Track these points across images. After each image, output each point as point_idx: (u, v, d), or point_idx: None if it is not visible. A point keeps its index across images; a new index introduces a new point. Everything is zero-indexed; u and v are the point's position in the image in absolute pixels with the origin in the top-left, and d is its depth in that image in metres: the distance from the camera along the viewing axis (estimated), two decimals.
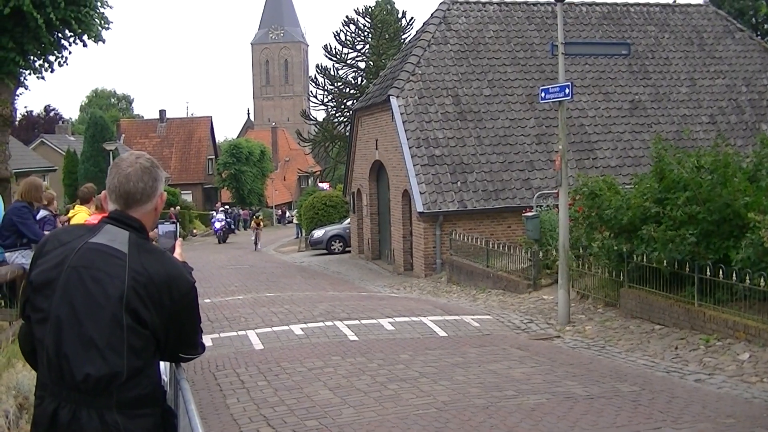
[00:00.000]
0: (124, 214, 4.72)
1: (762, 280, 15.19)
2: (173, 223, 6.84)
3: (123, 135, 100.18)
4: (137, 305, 4.50)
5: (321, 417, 11.22)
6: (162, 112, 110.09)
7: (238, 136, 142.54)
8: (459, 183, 32.43)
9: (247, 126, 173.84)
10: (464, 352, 15.53)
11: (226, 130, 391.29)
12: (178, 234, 6.49)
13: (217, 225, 68.37)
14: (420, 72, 35.06)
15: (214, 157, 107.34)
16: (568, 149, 20.50)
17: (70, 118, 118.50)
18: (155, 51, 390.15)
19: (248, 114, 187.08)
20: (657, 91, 37.06)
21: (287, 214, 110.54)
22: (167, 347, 4.78)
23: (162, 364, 6.11)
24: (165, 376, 6.03)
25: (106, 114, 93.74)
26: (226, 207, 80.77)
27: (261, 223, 62.82)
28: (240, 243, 66.75)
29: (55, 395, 4.51)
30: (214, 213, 74.98)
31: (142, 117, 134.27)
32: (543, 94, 20.01)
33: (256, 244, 59.28)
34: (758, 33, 50.62)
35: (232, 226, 75.26)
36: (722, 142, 20.15)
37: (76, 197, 16.47)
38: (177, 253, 5.60)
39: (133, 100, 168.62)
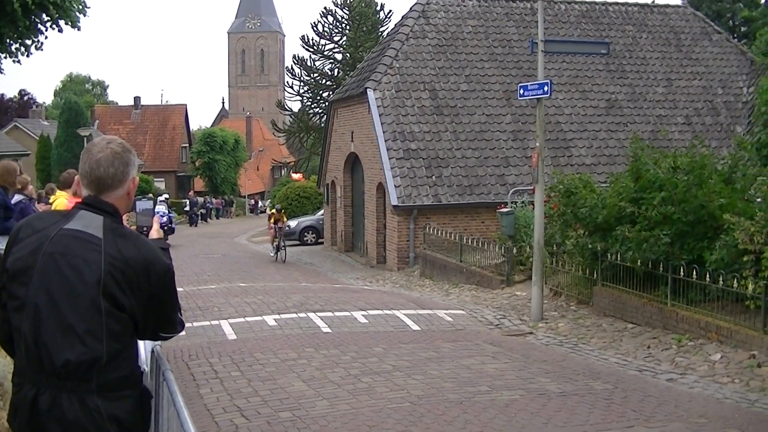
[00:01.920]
0: (98, 200, 4.72)
1: (735, 281, 15.29)
2: (150, 200, 6.81)
3: (97, 121, 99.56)
4: (114, 290, 4.51)
5: (295, 409, 11.21)
6: (137, 99, 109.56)
7: (212, 125, 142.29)
8: (434, 177, 32.43)
9: (222, 115, 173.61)
10: (438, 347, 15.55)
11: (201, 119, 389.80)
12: (155, 212, 6.48)
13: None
14: (397, 65, 35.04)
15: (188, 145, 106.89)
16: (544, 146, 20.52)
17: (44, 103, 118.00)
18: (131, 37, 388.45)
19: (223, 103, 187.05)
20: (633, 90, 37.17)
21: (260, 204, 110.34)
22: (147, 328, 4.80)
23: (142, 353, 6.11)
24: (146, 366, 6.01)
25: (80, 99, 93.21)
26: (174, 197, 69.45)
27: (283, 219, 41.40)
28: (212, 232, 66.54)
29: (35, 382, 4.51)
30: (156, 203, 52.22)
31: (117, 103, 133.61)
32: (522, 91, 20.02)
33: (277, 251, 39.92)
34: (735, 35, 50.89)
35: (173, 224, 52.51)
36: (699, 144, 20.23)
37: (50, 182, 16.38)
38: (154, 230, 5.58)
39: (108, 86, 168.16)
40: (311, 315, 18.74)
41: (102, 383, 4.50)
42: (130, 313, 4.59)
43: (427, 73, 35.19)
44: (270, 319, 18.30)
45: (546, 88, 19.05)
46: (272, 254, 40.69)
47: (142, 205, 42.85)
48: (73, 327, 4.44)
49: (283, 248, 39.75)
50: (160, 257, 4.74)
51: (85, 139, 54.13)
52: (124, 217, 5.47)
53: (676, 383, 13.29)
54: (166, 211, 47.23)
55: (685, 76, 38.36)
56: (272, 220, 40.77)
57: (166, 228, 46.16)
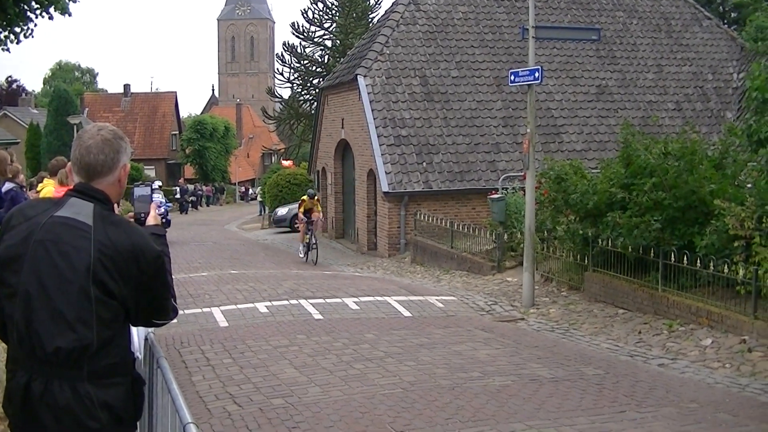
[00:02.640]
0: (88, 186, 4.72)
1: (726, 266, 15.34)
2: (148, 185, 6.82)
3: (87, 109, 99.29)
4: (104, 277, 4.52)
5: (287, 395, 11.23)
6: (126, 87, 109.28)
7: (202, 112, 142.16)
8: (425, 164, 32.40)
9: (212, 102, 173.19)
10: (429, 333, 15.58)
11: (191, 106, 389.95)
12: (152, 198, 6.48)
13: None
14: (388, 52, 34.97)
15: (178, 132, 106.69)
16: (535, 133, 20.52)
17: (33, 91, 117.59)
18: (120, 25, 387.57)
19: (213, 90, 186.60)
20: (624, 76, 37.14)
21: (250, 191, 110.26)
22: (139, 315, 4.81)
23: (135, 340, 6.11)
24: (139, 354, 6.02)
25: (70, 87, 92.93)
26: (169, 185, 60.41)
27: (317, 209, 33.41)
28: (203, 220, 66.48)
29: (27, 369, 4.51)
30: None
31: (106, 91, 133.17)
32: (512, 78, 20.02)
33: (308, 249, 32.62)
34: (725, 21, 50.86)
35: (169, 216, 45.80)
36: (689, 130, 20.29)
37: (40, 170, 16.32)
38: (151, 216, 5.58)
39: (97, 74, 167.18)
40: (303, 302, 18.76)
41: (93, 370, 4.51)
42: (121, 300, 4.59)
43: (417, 60, 35.13)
44: (262, 306, 18.31)
45: (537, 75, 19.06)
46: (301, 254, 32.92)
47: (140, 191, 42.55)
48: (64, 314, 4.45)
49: (314, 247, 31.89)
50: (151, 244, 4.74)
51: (75, 127, 53.95)
52: (153, 206, 5.48)
53: (667, 368, 13.35)
54: (163, 201, 43.65)
55: (675, 62, 38.33)
56: (302, 209, 32.58)
57: (164, 221, 39.78)
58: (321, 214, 34.56)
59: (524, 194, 20.62)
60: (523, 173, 21.46)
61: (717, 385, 12.33)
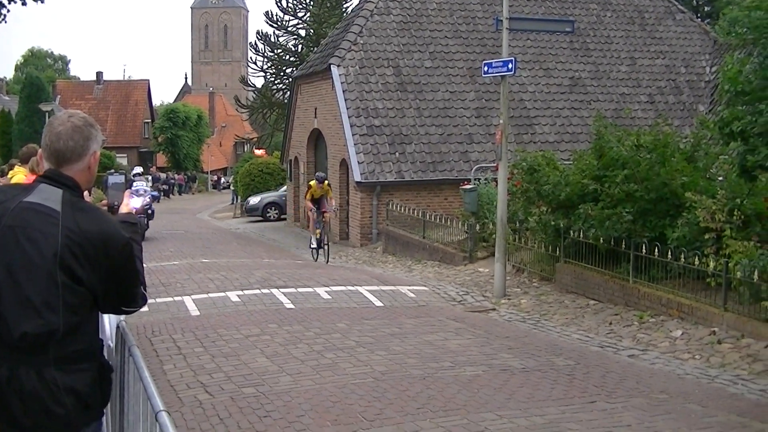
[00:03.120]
0: (58, 173, 4.71)
1: (696, 258, 15.43)
2: (122, 173, 6.80)
3: (59, 96, 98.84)
4: (72, 263, 4.51)
5: (258, 384, 11.21)
6: (99, 74, 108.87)
7: (175, 101, 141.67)
8: (397, 154, 32.43)
9: (185, 90, 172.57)
10: (401, 323, 15.58)
11: (164, 94, 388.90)
12: (135, 186, 6.49)
13: (138, 203, 33.00)
14: (362, 42, 34.94)
15: (150, 120, 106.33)
16: (508, 124, 20.55)
17: (5, 78, 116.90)
18: (93, 12, 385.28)
19: (186, 78, 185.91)
20: (597, 68, 37.24)
21: (222, 180, 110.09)
22: (107, 302, 4.80)
23: (107, 328, 6.09)
24: (111, 342, 6.00)
25: (42, 74, 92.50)
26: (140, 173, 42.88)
27: (330, 196, 28.49)
28: (175, 208, 66.31)
29: None
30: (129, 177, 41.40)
31: (79, 78, 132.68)
32: (486, 69, 20.02)
33: (319, 245, 27.80)
34: (699, 15, 51.04)
35: (152, 208, 37.76)
36: (662, 122, 20.37)
37: (11, 158, 16.25)
38: (123, 204, 5.58)
39: (69, 61, 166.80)
40: (274, 291, 18.72)
41: (59, 356, 4.51)
42: (89, 286, 4.59)
43: (391, 50, 35.12)
44: (233, 295, 18.27)
45: (510, 66, 19.07)
46: (313, 245, 27.97)
47: (113, 179, 42.15)
48: (30, 299, 4.45)
49: (325, 244, 27.45)
50: (119, 231, 4.73)
51: (47, 114, 53.59)
52: (126, 194, 5.47)
53: (638, 359, 13.40)
54: (148, 189, 38.06)
55: (648, 55, 38.46)
56: (309, 196, 27.47)
57: (150, 211, 35.95)
58: (334, 201, 29.57)
59: (496, 185, 20.65)
60: (495, 164, 21.49)
61: (687, 376, 12.40)
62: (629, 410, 10.16)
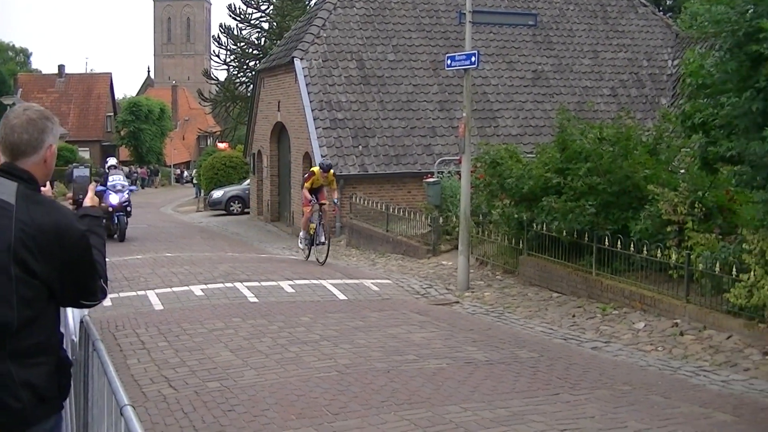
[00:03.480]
0: (12, 166, 4.69)
1: (659, 251, 15.53)
2: (87, 167, 6.75)
3: (20, 89, 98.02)
4: (26, 256, 4.50)
5: (223, 378, 11.19)
6: (61, 67, 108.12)
7: (138, 94, 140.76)
8: (361, 147, 32.43)
9: (148, 84, 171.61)
10: (365, 316, 15.59)
11: (126, 87, 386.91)
12: (111, 179, 6.44)
13: (115, 199, 31.52)
14: (325, 35, 34.90)
15: (113, 114, 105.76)
16: (471, 117, 20.59)
17: None
18: (55, 4, 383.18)
19: (149, 71, 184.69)
20: (560, 62, 37.35)
21: (185, 173, 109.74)
22: (65, 296, 4.78)
23: (71, 323, 6.05)
24: (74, 336, 5.96)
25: (3, 68, 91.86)
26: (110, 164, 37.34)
27: (333, 187, 24.87)
28: (137, 202, 65.84)
29: None
30: (102, 170, 40.77)
31: (41, 72, 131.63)
32: (449, 62, 20.04)
33: (311, 243, 24.27)
34: (661, 8, 51.19)
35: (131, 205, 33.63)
36: (624, 115, 20.46)
37: None
38: (88, 197, 5.56)
39: (31, 54, 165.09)
40: (238, 285, 18.68)
41: (15, 349, 4.49)
42: (43, 279, 4.57)
43: (354, 43, 35.10)
44: (197, 289, 18.22)
45: (473, 59, 19.09)
46: (302, 246, 24.72)
47: (78, 172, 41.70)
48: None
49: (324, 242, 23.51)
50: (74, 223, 4.72)
51: (8, 107, 53.33)
52: (91, 187, 5.43)
53: (601, 351, 13.47)
54: (126, 183, 33.29)
55: (611, 48, 38.60)
56: (309, 184, 23.81)
57: (129, 209, 32.68)
58: (338, 193, 25.73)
59: (460, 178, 20.69)
60: (458, 157, 21.53)
61: (650, 367, 12.48)
62: (593, 402, 10.21)
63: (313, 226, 23.88)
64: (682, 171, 18.18)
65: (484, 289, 19.15)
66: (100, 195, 29.53)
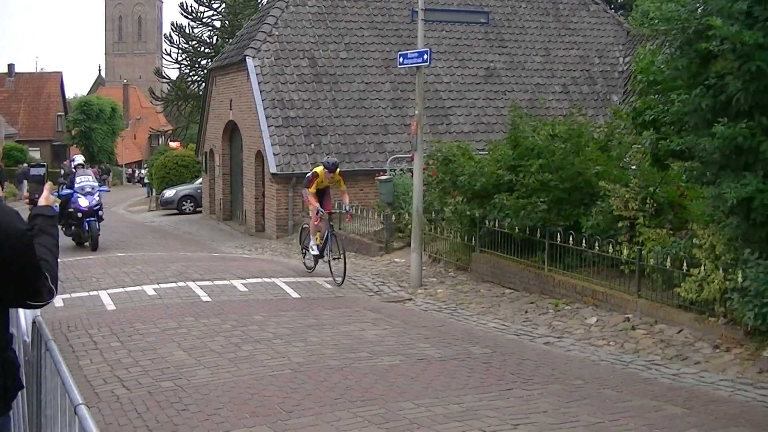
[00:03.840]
0: None
1: (610, 246, 15.62)
2: (43, 166, 6.69)
3: None
4: None
5: (176, 378, 11.15)
6: (11, 66, 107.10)
7: (89, 93, 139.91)
8: (313, 145, 32.37)
9: (99, 83, 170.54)
10: (318, 314, 15.59)
11: (77, 87, 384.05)
12: (78, 180, 6.39)
13: (84, 203, 28.17)
14: (277, 33, 34.81)
15: (64, 113, 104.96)
16: (423, 114, 20.64)
17: None
18: (4, 2, 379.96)
19: (100, 70, 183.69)
20: (512, 59, 37.45)
21: (137, 173, 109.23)
22: (7, 296, 4.74)
23: (23, 323, 6.01)
24: (27, 337, 5.93)
25: None
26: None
27: (341, 188, 21.45)
28: None
29: None
30: (68, 170, 33.91)
31: None
32: (401, 59, 20.07)
33: (320, 254, 20.48)
34: (612, 6, 51.52)
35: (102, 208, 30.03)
36: (576, 112, 20.58)
37: None
38: (43, 197, 5.51)
39: None
40: (191, 284, 18.63)
41: None
42: None
43: (306, 41, 35.03)
44: (149, 289, 18.14)
45: (425, 57, 19.13)
46: (314, 251, 20.58)
47: (34, 171, 41.29)
48: None
49: (339, 256, 19.49)
50: (14, 223, 4.67)
51: None
52: (46, 187, 5.38)
53: (553, 346, 13.55)
54: (96, 185, 29.41)
55: (563, 46, 38.76)
56: (313, 188, 20.41)
57: (101, 213, 29.31)
58: (347, 196, 21.40)
59: (412, 176, 20.71)
60: (411, 155, 21.55)
61: (602, 362, 12.57)
62: (545, 397, 10.27)
63: (319, 235, 20.36)
64: (633, 167, 18.32)
65: (437, 285, 19.19)
66: (67, 199, 27.94)
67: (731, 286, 12.68)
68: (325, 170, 20.18)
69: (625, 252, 15.38)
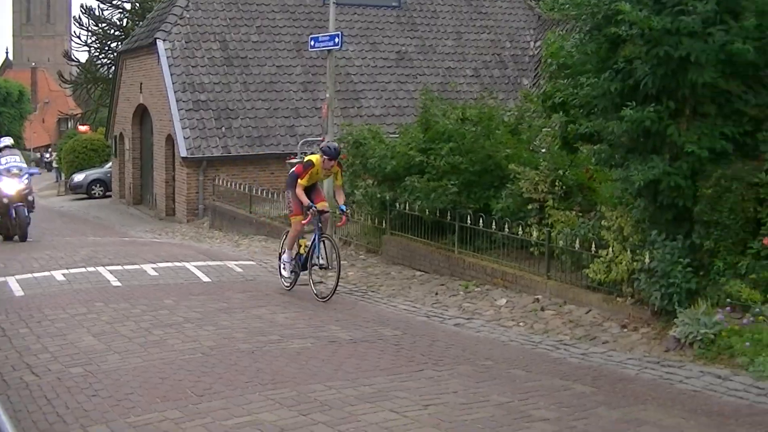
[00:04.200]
0: None
1: (520, 229, 15.77)
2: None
3: None
4: None
5: (86, 364, 11.03)
6: None
7: None
8: (224, 129, 32.25)
9: (6, 66, 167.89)
10: (228, 298, 15.53)
11: None
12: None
13: (11, 187, 24.36)
14: (188, 16, 34.55)
15: None
16: (335, 97, 20.64)
17: None
18: None
19: (7, 53, 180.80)
20: (424, 43, 37.56)
21: (46, 157, 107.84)
22: None
23: None
24: None
25: None
26: None
27: (338, 181, 16.35)
28: None
29: None
30: None
31: None
32: (312, 43, 20.04)
33: (298, 267, 16.30)
34: None
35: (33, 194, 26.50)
36: (487, 96, 20.71)
37: None
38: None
39: None
40: (100, 269, 18.41)
41: None
42: None
43: (218, 24, 34.82)
44: (58, 275, 17.88)
45: (337, 40, 19.10)
46: (285, 273, 16.54)
47: None
48: None
49: (333, 265, 15.94)
50: None
51: None
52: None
53: (463, 328, 13.63)
54: (24, 166, 25.53)
55: (474, 30, 38.95)
56: (305, 179, 16.00)
57: (31, 198, 25.44)
58: (343, 193, 16.55)
59: None
60: (321, 138, 21.52)
61: (511, 342, 12.69)
62: (456, 377, 10.34)
63: (303, 242, 16.43)
64: (543, 150, 18.48)
65: (348, 268, 19.17)
66: None
67: (638, 267, 12.90)
68: (324, 158, 15.77)
69: (535, 234, 15.55)
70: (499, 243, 16.59)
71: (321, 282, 16.47)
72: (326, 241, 16.05)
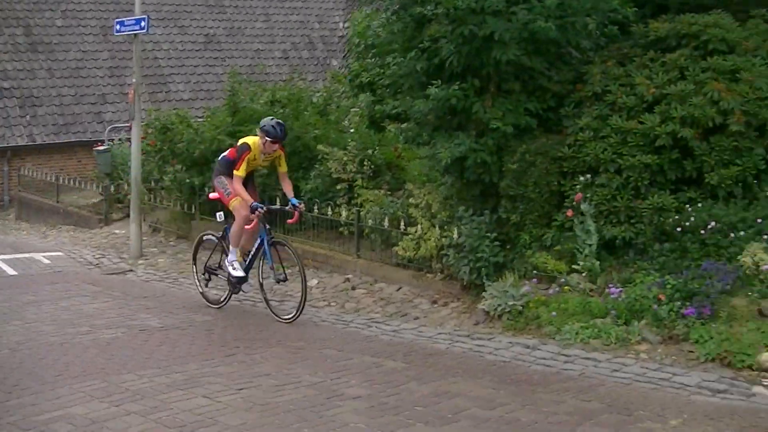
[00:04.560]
0: None
1: (329, 209, 15.83)
2: None
3: None
4: None
5: None
6: None
7: None
8: (28, 117, 31.44)
9: None
10: (36, 290, 15.22)
11: None
12: None
13: None
14: None
15: None
16: (142, 82, 20.38)
17: None
18: None
19: None
20: (232, 25, 37.28)
21: None
22: None
23: None
24: None
25: None
26: None
27: (282, 167, 13.30)
28: None
29: None
30: None
31: None
32: (118, 27, 19.69)
33: (230, 280, 13.37)
34: None
35: None
36: (297, 77, 20.72)
37: None
38: None
39: None
40: None
41: None
42: None
43: (21, 9, 33.86)
44: None
45: (143, 24, 18.86)
46: (234, 274, 13.21)
47: None
48: None
49: (283, 276, 13.02)
50: None
51: None
52: None
53: (276, 310, 13.59)
54: None
55: (283, 11, 38.82)
56: (241, 170, 12.61)
57: None
58: (290, 182, 13.59)
59: (131, 145, 20.41)
60: (129, 124, 21.24)
61: (323, 323, 12.77)
62: (268, 360, 10.37)
63: (246, 246, 13.52)
64: (352, 130, 18.58)
65: (158, 255, 19.03)
66: None
67: (447, 242, 13.11)
68: (266, 140, 12.63)
69: (344, 214, 15.66)
70: (309, 224, 16.62)
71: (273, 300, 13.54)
72: (283, 247, 13.31)
